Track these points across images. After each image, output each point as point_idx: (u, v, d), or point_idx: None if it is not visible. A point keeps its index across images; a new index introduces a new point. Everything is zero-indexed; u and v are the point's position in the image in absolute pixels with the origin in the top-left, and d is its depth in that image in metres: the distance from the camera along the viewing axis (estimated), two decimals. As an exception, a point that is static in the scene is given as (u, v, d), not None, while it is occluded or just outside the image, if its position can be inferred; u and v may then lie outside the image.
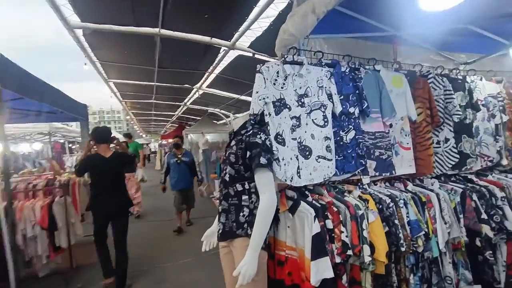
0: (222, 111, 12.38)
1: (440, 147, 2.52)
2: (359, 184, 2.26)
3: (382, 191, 2.19)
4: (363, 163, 2.15)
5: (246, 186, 1.84)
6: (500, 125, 2.79)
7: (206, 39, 5.15)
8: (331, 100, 2.10)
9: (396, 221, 2.00)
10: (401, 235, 1.97)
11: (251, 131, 1.84)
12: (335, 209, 1.88)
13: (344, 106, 2.14)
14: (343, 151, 2.14)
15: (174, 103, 11.99)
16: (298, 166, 2.00)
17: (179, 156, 5.82)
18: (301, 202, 1.89)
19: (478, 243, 2.32)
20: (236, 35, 5.03)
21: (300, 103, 2.03)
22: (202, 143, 9.97)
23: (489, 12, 2.41)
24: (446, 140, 2.54)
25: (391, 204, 2.03)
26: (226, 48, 5.53)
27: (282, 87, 2.00)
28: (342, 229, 1.84)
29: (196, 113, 13.75)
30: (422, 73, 2.49)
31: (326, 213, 1.87)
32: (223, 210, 1.90)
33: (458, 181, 2.59)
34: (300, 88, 2.05)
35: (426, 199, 2.18)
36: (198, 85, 8.59)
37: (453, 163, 2.54)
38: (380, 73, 2.31)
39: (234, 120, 2.07)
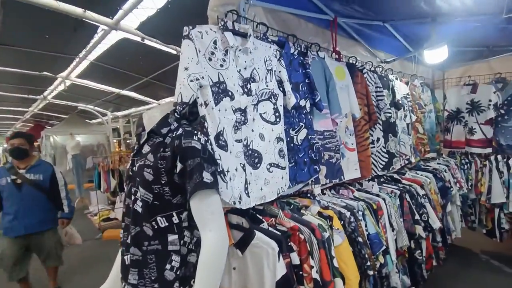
0: (98, 108, 10.22)
1: (374, 147, 2.39)
2: (309, 195, 1.83)
3: (336, 202, 1.83)
4: (317, 169, 1.73)
5: (175, 219, 1.12)
6: (410, 124, 2.94)
7: (78, 11, 3.74)
8: (281, 88, 1.59)
9: (360, 239, 1.65)
10: (366, 255, 1.64)
11: (182, 130, 1.13)
12: (301, 236, 1.36)
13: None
14: (294, 155, 1.66)
15: (27, 96, 8.99)
16: (246, 180, 1.39)
17: (22, 171, 2.78)
18: (255, 232, 1.30)
19: (412, 244, 2.27)
20: (120, 12, 3.81)
21: (245, 90, 1.43)
22: (71, 147, 7.90)
23: (405, 8, 2.40)
24: (377, 139, 2.44)
25: (352, 218, 1.68)
26: (106, 28, 4.16)
27: (221, 65, 1.35)
28: (312, 262, 1.34)
29: (62, 110, 10.86)
30: (358, 67, 2.30)
31: (289, 244, 1.34)
32: (133, 262, 1.11)
33: (387, 182, 2.53)
34: (245, 69, 1.44)
35: (376, 206, 1.94)
36: (64, 73, 6.53)
37: (384, 163, 2.46)
38: (325, 61, 1.95)
39: (147, 113, 1.28)
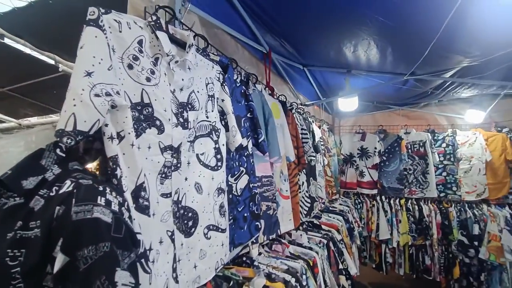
0: None
1: (301, 192, 2.23)
2: (244, 259, 1.43)
3: (276, 264, 1.49)
4: (259, 226, 1.37)
5: None
6: (324, 167, 2.98)
7: None
8: (224, 121, 1.21)
9: (308, 313, 1.34)
10: (315, 333, 1.32)
11: (72, 183, 0.60)
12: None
13: (235, 136, 1.30)
14: (233, 210, 1.26)
15: None
16: (175, 256, 0.90)
17: None
18: None
19: (336, 297, 2.11)
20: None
21: (181, 119, 0.98)
22: None
23: (323, 56, 2.50)
24: (302, 183, 2.30)
25: (298, 287, 1.36)
26: None
27: (148, 79, 0.88)
28: None
29: None
30: (287, 106, 2.16)
31: None
32: None
33: (310, 228, 2.38)
34: (181, 90, 1.01)
35: (313, 263, 1.70)
36: None
37: (307, 209, 2.32)
38: (264, 95, 1.70)
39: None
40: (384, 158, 3.99)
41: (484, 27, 1.64)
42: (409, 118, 4.15)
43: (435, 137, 3.78)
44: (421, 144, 3.80)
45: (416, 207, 3.74)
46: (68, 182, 0.60)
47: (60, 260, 0.53)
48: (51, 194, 0.59)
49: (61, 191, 0.58)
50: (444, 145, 3.72)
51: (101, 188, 0.61)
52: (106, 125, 0.74)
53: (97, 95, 0.70)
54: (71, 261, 0.53)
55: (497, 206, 3.40)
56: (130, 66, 0.84)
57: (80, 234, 0.54)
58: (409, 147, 3.85)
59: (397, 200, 3.86)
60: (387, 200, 3.92)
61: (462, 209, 3.52)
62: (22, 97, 5.29)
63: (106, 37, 0.75)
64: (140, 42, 0.87)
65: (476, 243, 3.32)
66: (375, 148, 3.99)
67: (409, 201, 3.81)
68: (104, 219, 0.56)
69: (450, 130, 3.73)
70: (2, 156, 0.64)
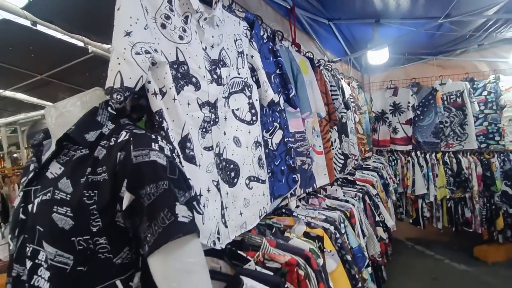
0: None
1: (334, 148, 2.23)
2: (284, 210, 1.51)
3: (314, 215, 1.55)
4: (296, 179, 1.42)
5: None
6: (355, 124, 2.93)
7: None
8: (254, 77, 1.22)
9: (348, 256, 1.41)
10: (356, 275, 1.40)
11: (127, 133, 0.66)
12: (301, 273, 1.01)
13: (267, 92, 1.31)
14: (270, 163, 1.31)
15: None
16: (222, 204, 0.97)
17: None
18: (243, 280, 0.89)
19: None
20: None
21: (215, 76, 1.01)
22: None
23: (350, 7, 2.35)
24: (334, 140, 2.30)
25: (337, 234, 1.42)
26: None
27: (181, 38, 0.90)
28: (316, 306, 1.01)
29: None
30: (314, 63, 2.10)
31: (286, 286, 0.97)
32: None
33: (344, 184, 2.41)
34: (212, 47, 1.02)
35: (350, 214, 1.75)
36: None
37: (341, 165, 2.33)
38: (291, 52, 1.67)
39: (54, 107, 0.73)
40: (418, 112, 3.82)
41: None
42: (444, 68, 3.86)
43: (475, 86, 3.52)
44: (458, 94, 3.56)
45: (454, 160, 3.59)
46: (124, 132, 0.66)
47: (127, 198, 0.60)
48: (111, 144, 0.65)
49: (119, 140, 0.65)
50: (485, 93, 3.47)
51: (153, 136, 0.67)
52: (149, 82, 0.78)
53: (137, 53, 0.74)
54: (136, 199, 0.60)
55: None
56: (163, 26, 0.86)
57: (142, 175, 0.60)
58: (445, 98, 3.63)
59: (433, 155, 3.73)
60: (422, 155, 3.80)
61: (506, 159, 3.33)
62: (59, 82, 5.60)
63: (139, -2, 0.78)
64: (170, 1, 0.88)
65: (521, 192, 3.18)
66: (409, 102, 3.81)
67: (446, 154, 3.67)
68: (159, 161, 0.62)
69: (492, 76, 3.44)
70: (64, 115, 0.71)
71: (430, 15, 2.28)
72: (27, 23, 3.57)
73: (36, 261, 0.61)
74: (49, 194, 0.62)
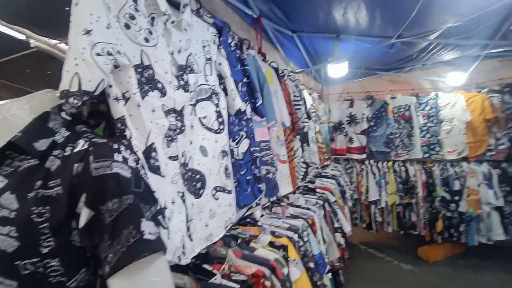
0: None
1: (296, 157, 2.28)
2: (248, 220, 1.49)
3: (278, 224, 1.56)
4: (261, 188, 1.41)
5: None
6: (315, 133, 3.03)
7: None
8: (222, 85, 1.20)
9: (311, 264, 1.43)
10: (318, 281, 1.42)
11: (86, 142, 0.59)
12: (267, 284, 1.00)
13: (234, 100, 1.29)
14: (236, 173, 1.29)
15: None
16: (187, 216, 0.93)
17: None
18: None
19: (333, 254, 2.25)
20: None
21: (181, 82, 0.97)
22: None
23: (312, 20, 2.46)
24: (297, 149, 2.35)
25: (301, 242, 1.44)
26: None
27: (146, 40, 0.85)
28: (281, 317, 1.00)
29: None
30: (278, 72, 2.14)
31: (252, 299, 0.96)
32: None
33: (305, 192, 2.47)
34: (179, 52, 0.98)
35: (311, 222, 1.79)
36: None
37: (302, 174, 2.39)
38: (257, 61, 1.68)
39: (-4, 109, 0.64)
40: (372, 124, 4.09)
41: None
42: (395, 83, 4.20)
43: (419, 101, 3.87)
44: (406, 108, 3.90)
45: (403, 168, 3.91)
46: (81, 141, 0.60)
47: (85, 214, 0.54)
48: (65, 154, 0.58)
49: (76, 150, 0.58)
50: (427, 108, 3.83)
51: (116, 146, 0.61)
52: (110, 86, 0.72)
53: (98, 54, 0.68)
54: (96, 215, 0.54)
55: (476, 163, 3.59)
56: (127, 26, 0.81)
57: (103, 188, 0.54)
58: (395, 111, 3.95)
59: (385, 163, 4.01)
60: (375, 163, 4.06)
61: (444, 167, 3.71)
62: (-7, 78, 4.99)
63: (102, -6, 0.72)
64: (135, 0, 0.83)
65: (456, 198, 3.55)
66: (363, 114, 4.07)
67: (396, 163, 3.97)
68: (123, 173, 0.57)
69: (434, 93, 3.83)
70: (8, 119, 0.62)
71: (384, 35, 2.48)
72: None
73: None
74: None
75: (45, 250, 0.53)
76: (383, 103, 4.00)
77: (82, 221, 0.54)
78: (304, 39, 2.81)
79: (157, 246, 0.56)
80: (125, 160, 0.59)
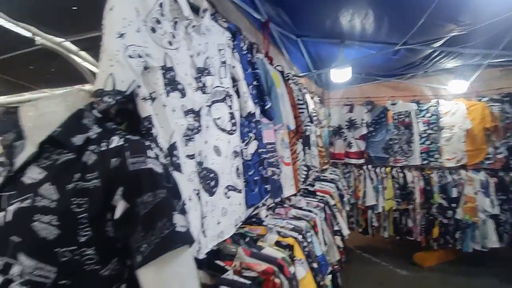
0: None
1: (298, 160, 2.32)
2: (254, 219, 1.53)
3: (282, 224, 1.60)
4: (268, 189, 1.45)
5: None
6: (316, 137, 3.09)
7: None
8: (235, 87, 1.24)
9: (315, 264, 1.47)
10: (321, 281, 1.47)
11: (121, 139, 0.64)
12: (277, 281, 1.04)
13: (245, 103, 1.34)
14: (245, 173, 1.33)
15: None
16: (202, 213, 0.97)
17: None
18: (223, 289, 0.89)
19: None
20: None
21: (200, 84, 1.01)
22: None
23: (318, 25, 2.51)
24: (299, 153, 2.39)
25: (305, 243, 1.49)
26: None
27: (170, 43, 0.89)
28: (288, 313, 1.04)
29: None
30: (284, 76, 2.19)
31: (262, 294, 1.00)
32: None
33: (305, 195, 2.51)
34: (198, 55, 1.03)
35: (313, 224, 1.83)
36: None
37: (304, 177, 2.44)
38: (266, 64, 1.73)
39: (34, 106, 0.67)
40: (371, 129, 4.15)
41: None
42: (395, 89, 4.27)
43: (420, 108, 3.94)
44: (406, 114, 3.96)
45: (401, 175, 3.96)
46: (116, 138, 0.63)
47: (121, 206, 0.57)
48: (101, 149, 0.62)
49: (111, 146, 0.62)
50: (428, 115, 3.90)
51: (147, 143, 0.65)
52: (139, 86, 0.76)
53: (130, 56, 0.72)
54: (131, 207, 0.57)
55: (473, 171, 3.66)
56: (153, 30, 0.85)
57: (139, 183, 0.58)
58: (395, 117, 4.01)
59: (383, 169, 4.06)
60: (373, 169, 4.12)
61: (442, 175, 3.77)
62: (-4, 73, 4.97)
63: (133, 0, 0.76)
64: (161, 5, 0.87)
65: (454, 205, 3.61)
66: (363, 119, 4.13)
67: (394, 169, 4.03)
68: (156, 169, 0.61)
69: (434, 101, 3.89)
70: (47, 115, 0.65)
71: (390, 41, 2.54)
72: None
73: (8, 276, 0.55)
74: (28, 201, 0.57)
75: (82, 239, 0.56)
76: (383, 108, 4.07)
77: (118, 213, 0.57)
78: (308, 44, 2.87)
79: (188, 239, 0.60)
80: (157, 157, 0.63)
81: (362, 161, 4.21)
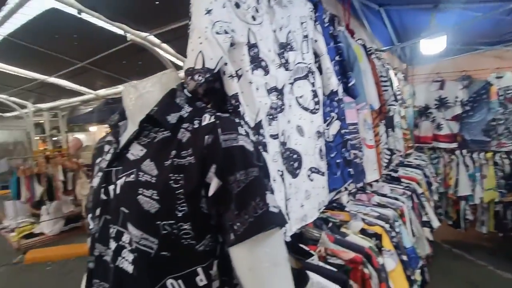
0: (14, 98, 8.23)
1: (381, 143, 2.11)
2: (334, 205, 1.45)
3: (366, 211, 1.48)
4: (351, 173, 1.35)
5: (200, 280, 0.60)
6: (400, 118, 2.78)
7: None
8: (317, 63, 1.15)
9: (404, 257, 1.33)
10: (412, 276, 1.32)
11: (212, 116, 0.62)
12: (366, 272, 0.96)
13: (326, 80, 1.24)
14: (327, 155, 1.25)
15: None
16: (285, 195, 0.93)
17: None
18: (309, 275, 0.85)
19: (421, 249, 2.06)
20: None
21: (283, 60, 0.96)
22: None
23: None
24: (381, 135, 2.17)
25: (393, 233, 1.35)
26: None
27: (253, 18, 0.85)
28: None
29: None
30: (367, 50, 1.98)
31: (350, 283, 0.93)
32: None
33: (389, 181, 2.29)
34: (281, 29, 0.97)
35: (400, 213, 1.65)
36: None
37: (387, 161, 2.21)
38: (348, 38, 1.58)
39: (135, 87, 0.71)
40: (468, 108, 3.54)
41: None
42: (502, 59, 3.51)
43: (539, 79, 3.19)
44: (517, 88, 3.26)
45: (507, 161, 3.32)
46: (207, 115, 0.63)
47: (215, 184, 0.57)
48: (194, 126, 0.63)
49: (204, 123, 0.62)
50: (547, 89, 3.14)
51: (237, 120, 0.64)
52: (225, 63, 0.75)
53: (218, 33, 0.70)
54: (224, 185, 0.57)
55: None
56: (237, 5, 0.82)
57: (231, 160, 0.57)
58: (501, 93, 3.33)
59: (482, 154, 3.46)
60: (469, 154, 3.54)
61: None
62: (98, 69, 5.77)
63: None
64: (245, -21, 0.83)
65: None
66: (457, 97, 3.55)
67: (497, 154, 3.39)
68: (247, 147, 0.59)
69: (557, 70, 3.10)
70: (144, 96, 0.69)
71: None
72: (73, 12, 3.67)
73: (120, 242, 0.60)
74: (133, 176, 0.61)
75: (180, 214, 0.58)
76: (484, 83, 3.41)
77: (212, 190, 0.57)
78: (391, 13, 2.53)
79: (281, 220, 0.57)
80: (247, 134, 0.61)
81: (454, 145, 3.65)
